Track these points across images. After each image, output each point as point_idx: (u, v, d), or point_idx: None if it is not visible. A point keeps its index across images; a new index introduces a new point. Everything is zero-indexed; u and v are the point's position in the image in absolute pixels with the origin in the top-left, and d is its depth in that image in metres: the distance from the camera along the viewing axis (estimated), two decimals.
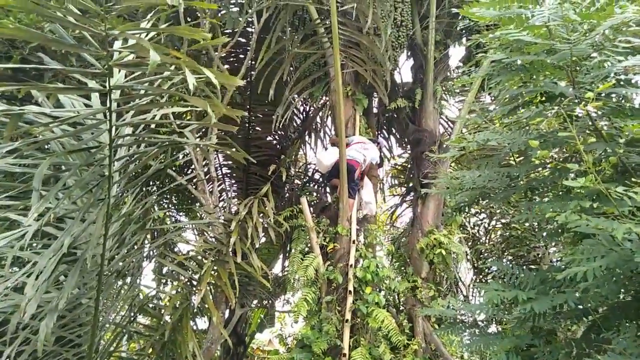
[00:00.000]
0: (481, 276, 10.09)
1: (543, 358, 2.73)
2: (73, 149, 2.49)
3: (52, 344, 3.46)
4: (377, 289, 6.16)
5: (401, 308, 6.90)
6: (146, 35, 2.08)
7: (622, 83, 2.68)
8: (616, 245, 2.06)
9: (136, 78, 2.32)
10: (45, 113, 2.23)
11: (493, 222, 10.46)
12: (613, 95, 2.82)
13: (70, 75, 2.44)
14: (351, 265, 6.11)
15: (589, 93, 2.37)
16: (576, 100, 2.69)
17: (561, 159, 3.38)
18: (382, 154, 9.23)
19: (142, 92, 2.34)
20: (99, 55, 1.96)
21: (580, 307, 2.73)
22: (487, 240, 10.39)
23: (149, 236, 6.42)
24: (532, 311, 2.48)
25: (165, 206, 9.03)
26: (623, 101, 2.86)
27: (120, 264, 3.58)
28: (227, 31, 8.11)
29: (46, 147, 2.85)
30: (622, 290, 2.40)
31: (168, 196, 9.08)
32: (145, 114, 2.62)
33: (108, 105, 2.05)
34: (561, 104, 2.76)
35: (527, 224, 8.75)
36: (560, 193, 3.19)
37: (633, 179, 2.06)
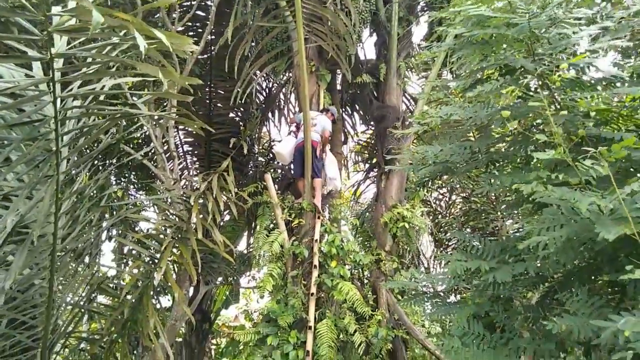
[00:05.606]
0: (442, 248, 10.39)
1: (501, 323, 2.82)
2: (14, 122, 2.31)
3: (4, 326, 3.32)
4: (342, 263, 6.22)
5: (365, 281, 7.01)
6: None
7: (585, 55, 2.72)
8: (575, 214, 2.12)
9: (82, 46, 2.14)
10: None
11: (453, 197, 10.73)
12: (572, 68, 2.87)
13: (12, 45, 2.24)
14: (316, 240, 6.13)
15: (564, 64, 2.40)
16: (537, 72, 2.72)
17: (519, 133, 3.44)
18: (344, 129, 9.22)
19: (89, 60, 2.17)
20: (37, 21, 1.80)
21: (539, 274, 2.82)
22: (447, 214, 10.66)
23: (107, 215, 6.21)
24: (494, 280, 2.54)
25: (124, 184, 8.73)
26: (580, 73, 2.92)
27: (77, 242, 3.44)
28: (185, 4, 7.79)
29: None
30: (578, 257, 2.49)
31: (127, 174, 8.79)
32: (95, 84, 2.46)
33: (51, 75, 1.89)
34: (524, 76, 2.79)
35: (485, 198, 9.02)
36: (520, 165, 3.27)
37: (600, 148, 2.11)
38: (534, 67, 2.63)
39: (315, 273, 5.92)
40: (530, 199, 2.77)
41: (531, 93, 3.12)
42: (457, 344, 2.71)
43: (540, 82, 2.92)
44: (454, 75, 8.47)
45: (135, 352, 5.60)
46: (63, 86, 2.45)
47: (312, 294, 5.81)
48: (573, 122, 2.61)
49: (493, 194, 8.45)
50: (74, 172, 2.88)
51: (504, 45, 3.12)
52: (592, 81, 2.97)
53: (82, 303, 3.82)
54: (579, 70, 2.93)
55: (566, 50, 2.73)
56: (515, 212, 5.79)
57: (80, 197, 3.08)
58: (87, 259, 4.01)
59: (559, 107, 2.75)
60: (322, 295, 6.00)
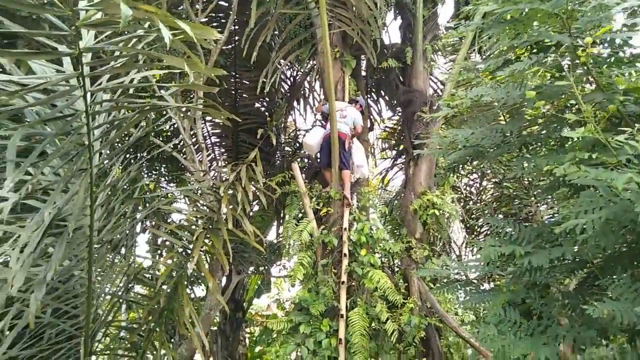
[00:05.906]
0: (473, 235, 10.21)
1: (538, 310, 2.75)
2: (47, 118, 2.38)
3: (49, 315, 3.46)
4: (372, 251, 6.20)
5: (396, 269, 6.97)
6: None
7: (621, 29, 2.59)
8: (615, 196, 2.03)
9: (108, 40, 2.17)
10: (13, 80, 2.10)
11: (484, 183, 10.50)
12: (607, 43, 2.73)
13: (43, 42, 2.29)
14: (345, 229, 6.12)
15: (588, 38, 2.28)
16: (569, 47, 2.60)
17: (552, 115, 3.32)
18: (370, 116, 9.13)
19: (116, 53, 2.20)
20: (65, 16, 1.83)
21: (577, 259, 2.73)
22: (479, 200, 10.45)
23: (140, 207, 6.36)
24: (529, 265, 2.47)
25: (155, 176, 8.92)
26: (618, 49, 2.77)
27: (113, 234, 3.53)
28: None
29: (20, 115, 2.73)
30: (619, 240, 2.39)
31: (157, 166, 8.97)
32: (123, 78, 2.50)
33: (80, 69, 1.93)
34: (557, 53, 2.67)
35: (518, 183, 8.78)
36: (554, 147, 3.15)
37: (637, 126, 2.00)
38: (570, 43, 2.50)
39: (345, 261, 5.92)
40: (565, 181, 2.67)
41: (564, 73, 2.99)
42: (493, 331, 2.65)
43: (573, 60, 2.79)
44: (483, 57, 8.24)
45: (172, 340, 5.75)
46: (92, 80, 2.50)
47: (343, 282, 5.81)
48: (611, 100, 2.49)
49: (526, 179, 8.21)
50: (106, 164, 2.95)
51: (536, 23, 3.00)
52: (631, 58, 2.82)
53: (120, 293, 3.93)
54: (616, 46, 2.78)
55: (601, 26, 2.59)
56: (550, 197, 5.62)
57: (114, 190, 3.16)
58: (123, 250, 4.12)
59: (595, 85, 2.63)
60: (353, 283, 6.00)
